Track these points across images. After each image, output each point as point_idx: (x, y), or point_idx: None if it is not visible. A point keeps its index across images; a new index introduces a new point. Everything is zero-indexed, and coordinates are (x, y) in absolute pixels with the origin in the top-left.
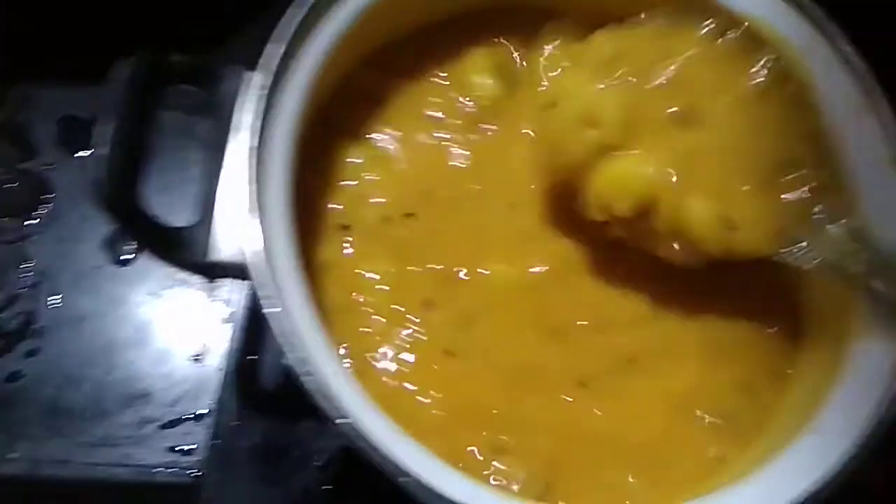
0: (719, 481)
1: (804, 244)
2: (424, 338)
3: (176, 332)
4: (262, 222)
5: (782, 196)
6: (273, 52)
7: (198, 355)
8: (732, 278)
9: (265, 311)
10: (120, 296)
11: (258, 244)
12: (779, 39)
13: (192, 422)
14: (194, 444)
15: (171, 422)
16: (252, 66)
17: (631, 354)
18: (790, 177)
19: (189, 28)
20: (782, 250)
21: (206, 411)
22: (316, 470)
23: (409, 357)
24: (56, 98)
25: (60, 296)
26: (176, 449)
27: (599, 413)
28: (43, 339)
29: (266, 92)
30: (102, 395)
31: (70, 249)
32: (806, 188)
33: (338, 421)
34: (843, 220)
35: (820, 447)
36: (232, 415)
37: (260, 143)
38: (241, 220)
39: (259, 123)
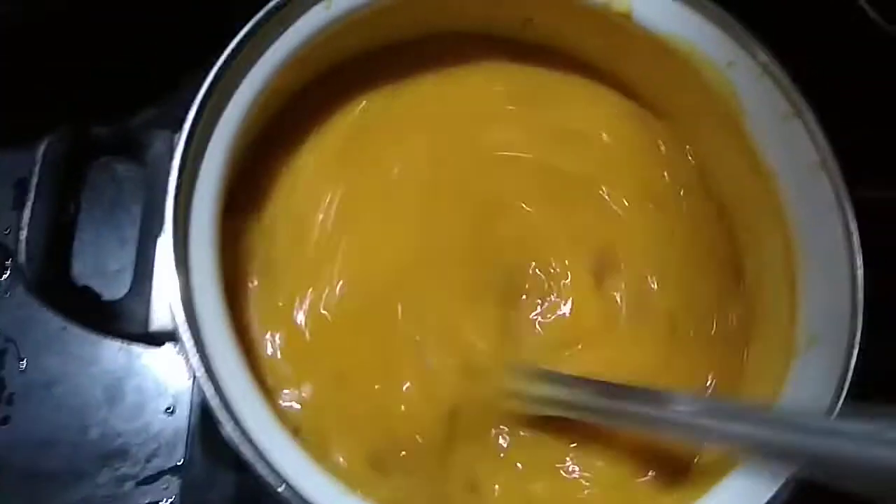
0: None
1: None
2: None
3: (147, 386)
4: (187, 283)
5: None
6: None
7: (170, 408)
8: None
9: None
10: (88, 355)
11: (182, 308)
12: (699, 55)
13: (169, 475)
14: (173, 497)
15: (148, 477)
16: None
17: None
18: None
19: (116, 96)
20: None
21: (181, 463)
22: None
23: None
24: (8, 162)
25: (27, 361)
26: None
27: None
28: (13, 407)
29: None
30: (78, 456)
31: (34, 313)
32: None
33: (279, 489)
34: None
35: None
36: (201, 469)
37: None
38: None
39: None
